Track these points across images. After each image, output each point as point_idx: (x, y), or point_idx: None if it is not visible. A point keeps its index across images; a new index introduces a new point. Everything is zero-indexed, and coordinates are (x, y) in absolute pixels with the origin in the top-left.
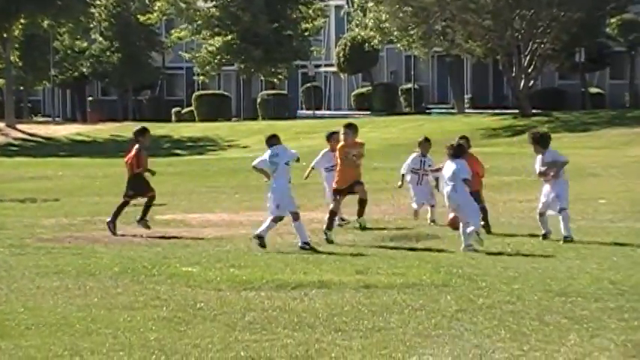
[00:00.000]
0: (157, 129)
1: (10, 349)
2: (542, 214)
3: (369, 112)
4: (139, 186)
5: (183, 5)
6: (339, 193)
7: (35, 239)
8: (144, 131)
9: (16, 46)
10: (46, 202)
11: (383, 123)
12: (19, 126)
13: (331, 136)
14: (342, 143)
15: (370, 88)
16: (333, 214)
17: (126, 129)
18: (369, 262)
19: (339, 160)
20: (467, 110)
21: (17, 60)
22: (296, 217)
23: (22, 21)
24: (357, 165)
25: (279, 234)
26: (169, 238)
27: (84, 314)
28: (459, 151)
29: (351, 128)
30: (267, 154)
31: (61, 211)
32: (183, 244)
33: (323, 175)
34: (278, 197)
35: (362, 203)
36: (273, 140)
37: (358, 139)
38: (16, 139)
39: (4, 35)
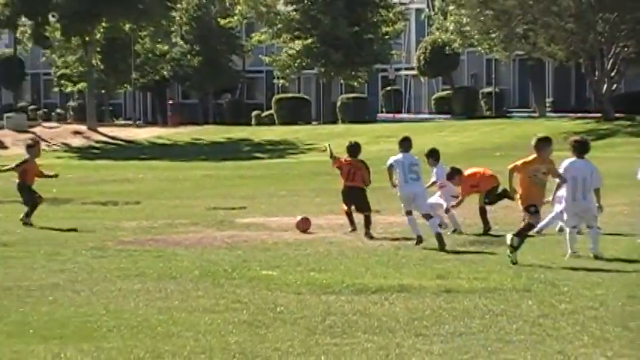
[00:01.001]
0: (237, 132)
1: (92, 352)
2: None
3: (449, 116)
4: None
5: (263, 9)
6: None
7: (116, 242)
8: (359, 146)
9: (98, 49)
10: (127, 204)
11: (463, 127)
12: (100, 129)
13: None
14: (532, 157)
15: (450, 91)
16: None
17: (206, 132)
18: (450, 266)
19: (520, 178)
20: (548, 114)
21: (99, 63)
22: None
23: (103, 25)
24: (544, 184)
25: (360, 238)
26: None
27: (165, 317)
28: (587, 147)
29: (548, 143)
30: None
31: (142, 213)
32: (264, 247)
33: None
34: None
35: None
36: (407, 145)
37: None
38: (97, 142)
39: (86, 39)
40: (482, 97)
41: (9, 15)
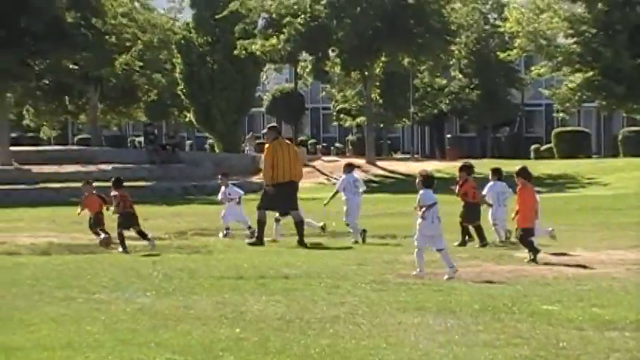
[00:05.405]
0: (515, 166)
1: None
2: None
3: None
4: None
5: (543, 42)
6: None
7: (395, 275)
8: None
9: (377, 84)
10: (406, 238)
11: None
12: (379, 162)
13: None
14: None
15: None
16: None
17: (483, 166)
18: None
19: None
20: None
21: (377, 98)
22: None
23: (382, 59)
24: None
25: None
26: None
27: (445, 351)
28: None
29: None
30: None
31: None
32: (544, 282)
33: None
34: None
35: None
36: (350, 169)
37: None
38: (376, 175)
39: (366, 73)
40: None
41: (290, 51)
